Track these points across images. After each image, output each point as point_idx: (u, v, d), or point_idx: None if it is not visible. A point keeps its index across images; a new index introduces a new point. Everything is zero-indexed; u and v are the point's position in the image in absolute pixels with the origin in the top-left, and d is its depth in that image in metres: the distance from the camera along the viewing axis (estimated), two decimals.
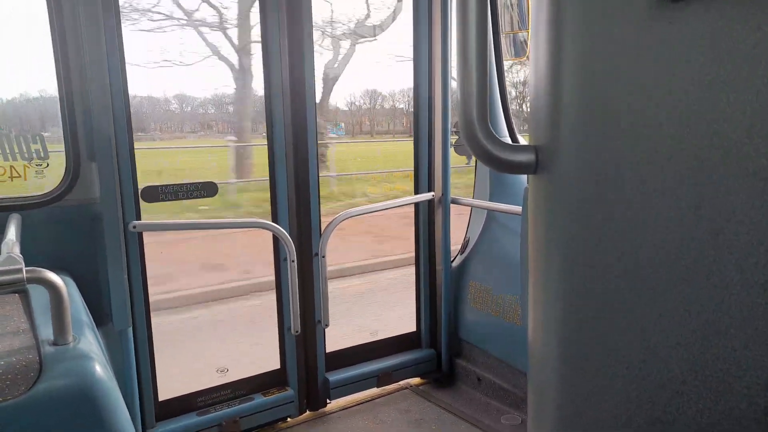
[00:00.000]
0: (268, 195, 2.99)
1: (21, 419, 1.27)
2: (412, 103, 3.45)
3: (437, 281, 3.55)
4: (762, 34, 0.68)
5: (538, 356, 1.16)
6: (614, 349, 0.91)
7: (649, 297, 0.84)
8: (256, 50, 2.91)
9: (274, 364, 3.14)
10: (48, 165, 2.55)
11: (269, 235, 2.96)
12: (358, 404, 3.30)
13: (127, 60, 2.47)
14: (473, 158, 3.64)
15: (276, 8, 2.80)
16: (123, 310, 2.50)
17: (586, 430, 0.99)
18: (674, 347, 0.81)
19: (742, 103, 0.70)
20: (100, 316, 2.52)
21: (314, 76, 2.97)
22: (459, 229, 3.73)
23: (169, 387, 2.88)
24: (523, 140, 3.57)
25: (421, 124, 3.37)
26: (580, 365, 0.99)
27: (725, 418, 0.76)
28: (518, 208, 3.04)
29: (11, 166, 2.47)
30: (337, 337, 3.56)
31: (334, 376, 3.23)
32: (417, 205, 3.49)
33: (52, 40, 2.41)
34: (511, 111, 3.45)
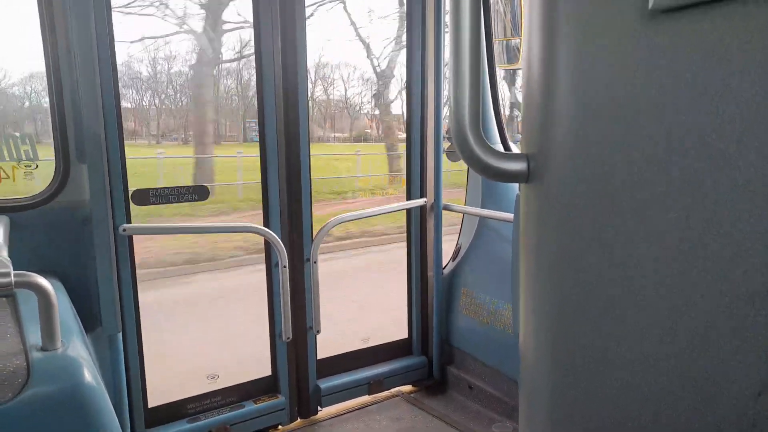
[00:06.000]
0: None
1: (8, 425, 1.26)
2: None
3: (429, 288, 3.55)
4: (753, 45, 0.68)
5: (529, 364, 1.16)
6: (605, 359, 0.91)
7: (639, 307, 0.84)
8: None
9: (267, 368, 3.12)
10: (37, 166, 2.53)
11: None
12: (350, 412, 3.28)
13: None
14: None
15: (269, 16, 2.81)
16: (112, 315, 2.47)
17: None
18: (664, 358, 0.81)
19: (732, 114, 0.71)
20: (90, 321, 2.49)
21: (308, 81, 2.97)
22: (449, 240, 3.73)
23: None
24: (515, 148, 3.58)
25: (413, 129, 3.37)
26: (571, 374, 0.99)
27: (714, 429, 0.76)
28: (510, 216, 3.05)
29: None
30: None
31: (326, 383, 3.21)
32: (409, 211, 3.49)
33: (43, 40, 2.39)
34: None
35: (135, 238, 2.66)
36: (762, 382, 0.70)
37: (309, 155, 3.02)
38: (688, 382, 0.78)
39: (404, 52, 3.32)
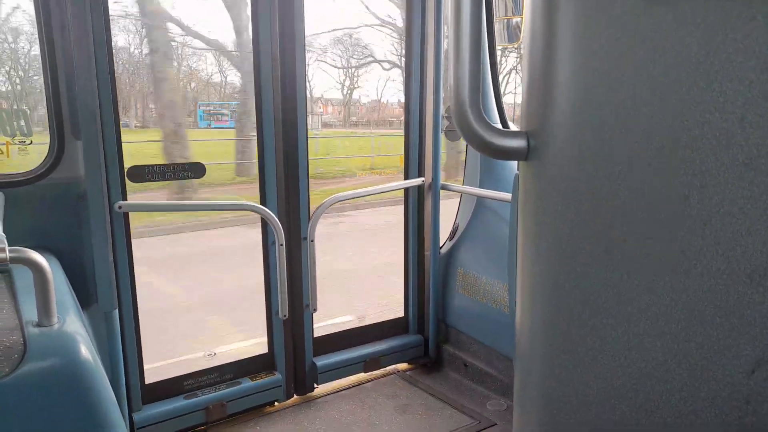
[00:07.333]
0: None
1: (4, 400, 1.26)
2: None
3: (425, 267, 3.56)
4: (756, 23, 0.67)
5: (525, 343, 1.16)
6: (600, 337, 0.91)
7: (636, 285, 0.84)
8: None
9: (264, 346, 3.14)
10: (31, 142, 2.50)
11: None
12: (346, 389, 3.32)
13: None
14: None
15: (268, 10, 2.76)
16: (108, 291, 2.47)
17: (572, 417, 0.99)
18: (659, 335, 0.81)
19: (734, 93, 0.70)
20: (86, 298, 2.49)
21: (305, 57, 2.93)
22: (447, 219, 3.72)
23: None
24: (514, 128, 3.56)
25: (412, 108, 3.35)
26: (566, 352, 1.00)
27: (707, 405, 0.77)
28: (508, 195, 3.04)
29: None
30: None
31: (322, 361, 3.24)
32: (406, 190, 3.49)
33: (36, 16, 2.35)
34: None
35: None
36: (756, 359, 0.71)
37: (306, 134, 3.00)
38: (684, 359, 0.79)
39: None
